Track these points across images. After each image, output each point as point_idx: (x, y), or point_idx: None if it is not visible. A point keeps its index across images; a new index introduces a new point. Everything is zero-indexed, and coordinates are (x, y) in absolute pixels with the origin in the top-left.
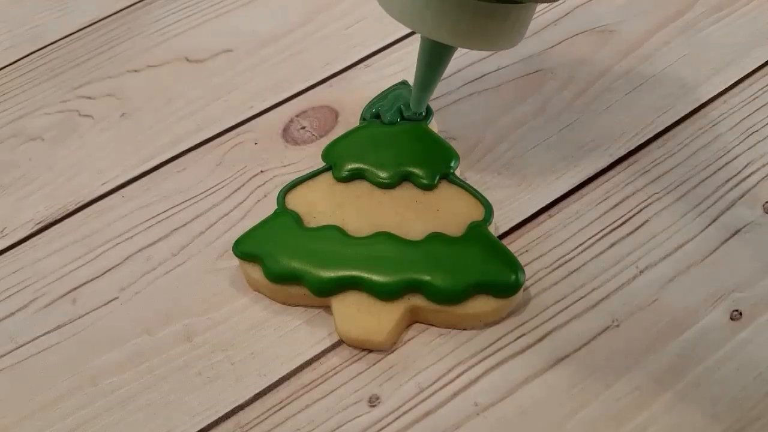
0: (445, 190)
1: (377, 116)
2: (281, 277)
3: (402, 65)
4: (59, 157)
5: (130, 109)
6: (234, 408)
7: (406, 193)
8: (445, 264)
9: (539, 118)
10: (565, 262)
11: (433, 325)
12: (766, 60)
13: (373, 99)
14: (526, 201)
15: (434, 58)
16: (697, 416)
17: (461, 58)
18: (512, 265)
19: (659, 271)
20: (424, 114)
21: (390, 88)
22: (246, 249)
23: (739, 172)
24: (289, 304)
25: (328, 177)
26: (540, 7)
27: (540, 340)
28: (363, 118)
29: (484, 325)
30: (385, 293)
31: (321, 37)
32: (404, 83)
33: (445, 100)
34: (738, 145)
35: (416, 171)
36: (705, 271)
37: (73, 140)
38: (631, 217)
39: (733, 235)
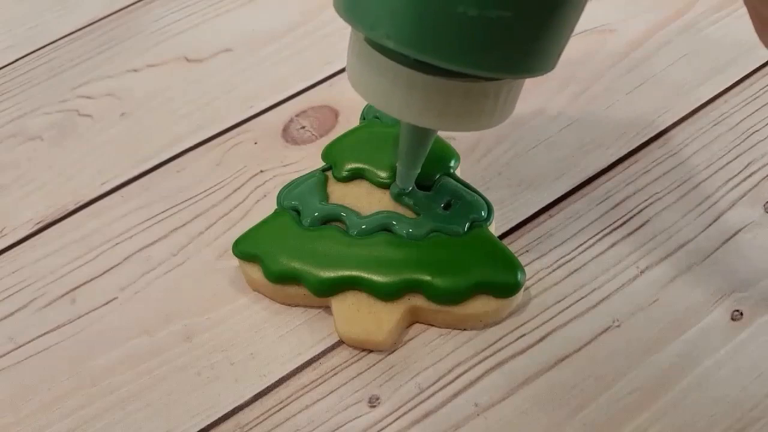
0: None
1: (378, 116)
2: (281, 277)
3: None
4: (59, 157)
5: (129, 108)
6: (234, 408)
7: None
8: (445, 264)
9: (539, 117)
10: (566, 262)
11: (433, 326)
12: (767, 59)
13: None
14: (527, 201)
15: (421, 138)
16: (697, 417)
17: None
18: (513, 265)
19: (660, 271)
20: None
21: None
22: (245, 249)
23: (740, 171)
24: (289, 304)
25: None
26: None
27: (540, 340)
28: (363, 118)
29: (485, 326)
30: (385, 293)
31: (321, 36)
32: None
33: None
34: (739, 144)
35: None
36: (706, 271)
37: (72, 140)
38: (631, 217)
39: (734, 235)
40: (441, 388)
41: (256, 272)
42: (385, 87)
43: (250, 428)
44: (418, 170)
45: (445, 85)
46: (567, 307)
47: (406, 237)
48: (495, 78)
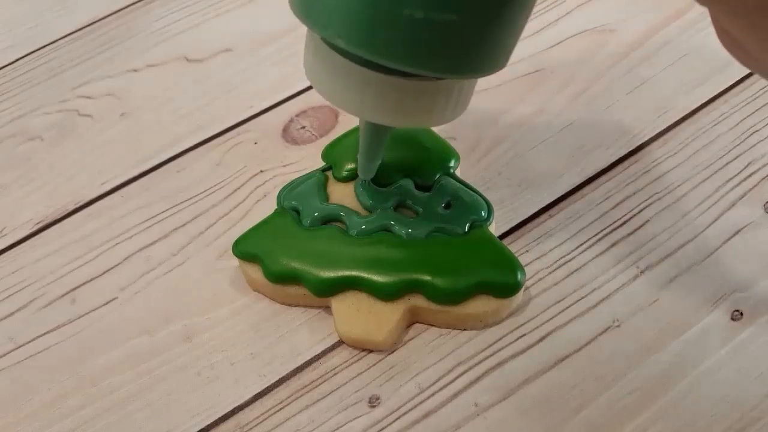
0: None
1: None
2: (281, 277)
3: None
4: (58, 157)
5: (129, 108)
6: (234, 408)
7: None
8: (445, 264)
9: (539, 117)
10: (566, 262)
11: (433, 326)
12: None
13: None
14: (527, 201)
15: (378, 133)
16: (697, 417)
17: None
18: (513, 265)
19: (660, 271)
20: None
21: None
22: (245, 249)
23: (740, 172)
24: (289, 304)
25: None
26: (540, 6)
27: (540, 340)
28: None
29: (485, 326)
30: (385, 293)
31: None
32: None
33: None
34: (738, 145)
35: (416, 171)
36: (706, 272)
37: (72, 140)
38: (631, 217)
39: (734, 235)
40: (441, 388)
41: (256, 272)
42: (341, 85)
43: (250, 428)
44: (379, 162)
45: (398, 83)
46: (567, 307)
47: (406, 237)
48: (445, 77)
